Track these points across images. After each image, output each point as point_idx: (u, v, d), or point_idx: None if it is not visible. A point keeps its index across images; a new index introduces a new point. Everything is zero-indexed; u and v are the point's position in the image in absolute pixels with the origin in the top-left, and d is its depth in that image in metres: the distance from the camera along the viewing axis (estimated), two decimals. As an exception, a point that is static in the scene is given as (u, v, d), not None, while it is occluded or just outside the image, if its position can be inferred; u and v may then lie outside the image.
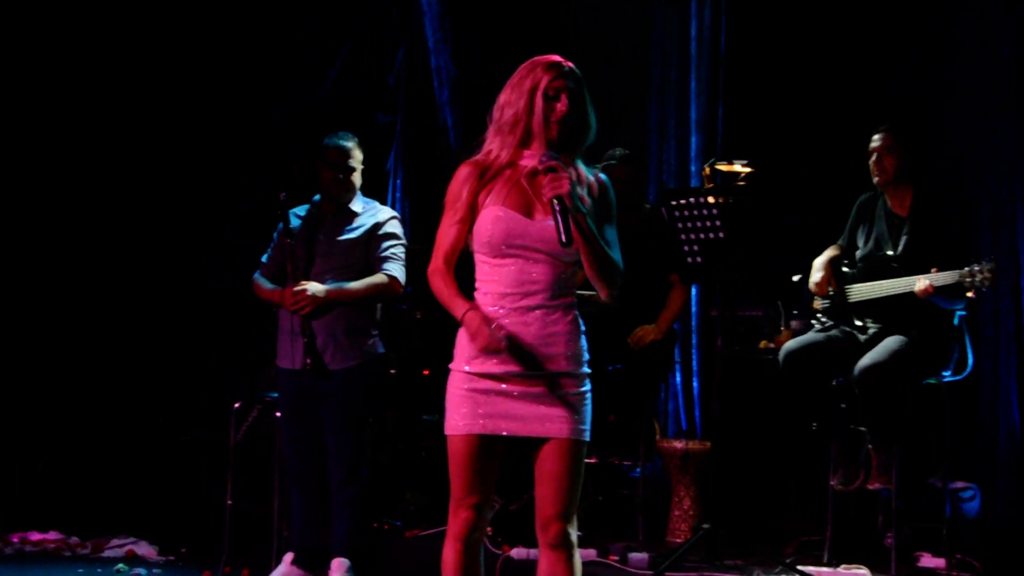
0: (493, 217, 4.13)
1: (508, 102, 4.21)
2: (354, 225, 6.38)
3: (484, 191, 4.20)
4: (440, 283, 4.21)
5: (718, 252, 6.42)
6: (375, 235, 6.36)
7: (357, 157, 6.43)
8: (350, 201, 6.42)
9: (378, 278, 6.29)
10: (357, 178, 6.43)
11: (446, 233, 4.24)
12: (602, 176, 4.31)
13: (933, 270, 6.08)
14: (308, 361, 6.17)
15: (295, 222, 6.43)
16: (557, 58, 4.21)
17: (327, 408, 6.23)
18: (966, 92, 7.68)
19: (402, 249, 6.42)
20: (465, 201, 4.20)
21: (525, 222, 4.13)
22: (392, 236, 6.40)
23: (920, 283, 6.09)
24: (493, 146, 4.23)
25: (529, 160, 4.20)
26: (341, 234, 6.35)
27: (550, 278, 4.13)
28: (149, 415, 8.29)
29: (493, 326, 4.06)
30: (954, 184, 7.43)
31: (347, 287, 6.23)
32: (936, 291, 6.06)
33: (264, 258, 6.54)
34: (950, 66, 7.73)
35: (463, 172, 4.23)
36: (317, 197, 6.51)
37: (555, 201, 4.01)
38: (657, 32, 8.85)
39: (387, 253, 6.35)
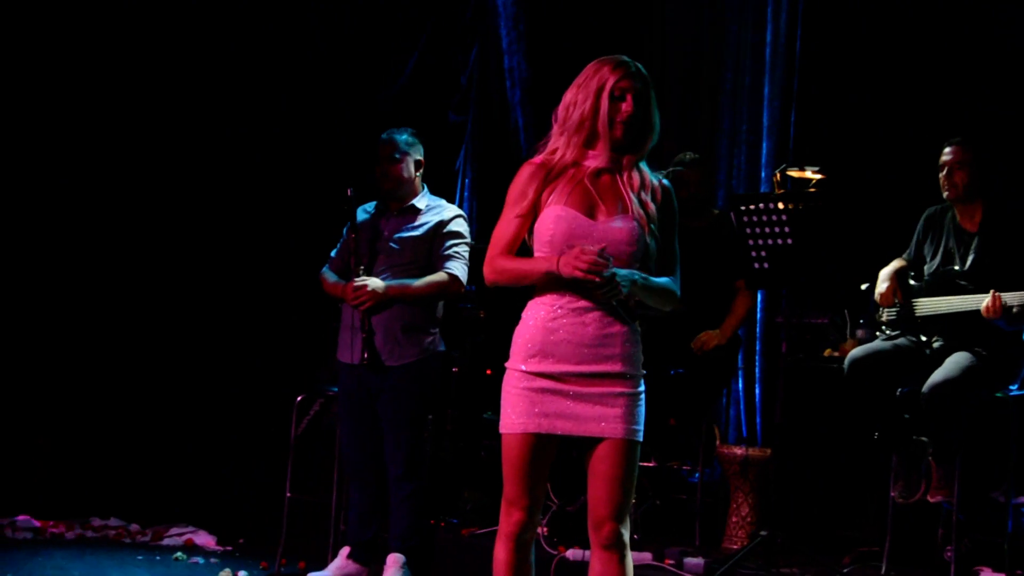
0: (555, 216, 4.14)
1: (574, 102, 4.21)
2: (418, 222, 6.39)
3: (548, 190, 4.20)
4: (504, 262, 4.21)
5: (786, 258, 6.38)
6: (439, 233, 6.37)
7: (406, 150, 6.41)
8: (409, 196, 6.42)
9: (439, 276, 6.30)
10: (406, 171, 6.40)
11: (506, 227, 4.25)
12: (665, 182, 4.29)
13: (993, 293, 5.98)
14: (366, 356, 6.19)
15: (362, 217, 6.46)
16: (624, 58, 4.21)
17: (384, 404, 6.25)
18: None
19: (465, 248, 6.41)
20: (530, 199, 4.21)
21: (588, 223, 4.13)
22: (456, 235, 6.40)
23: (986, 303, 6.00)
24: (559, 145, 4.24)
25: (593, 160, 4.21)
26: (404, 231, 6.36)
27: (611, 279, 4.12)
28: (214, 406, 8.34)
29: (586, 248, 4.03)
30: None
31: (409, 284, 6.24)
32: (1002, 313, 5.97)
33: (332, 253, 6.58)
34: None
35: (527, 170, 4.25)
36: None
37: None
38: (732, 36, 8.81)
39: (450, 252, 6.35)
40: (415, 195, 6.44)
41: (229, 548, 7.30)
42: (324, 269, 6.56)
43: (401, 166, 6.39)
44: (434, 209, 6.46)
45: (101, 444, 8.26)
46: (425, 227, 6.38)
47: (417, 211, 6.41)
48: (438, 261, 6.33)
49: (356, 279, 6.21)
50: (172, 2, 8.55)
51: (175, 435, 8.29)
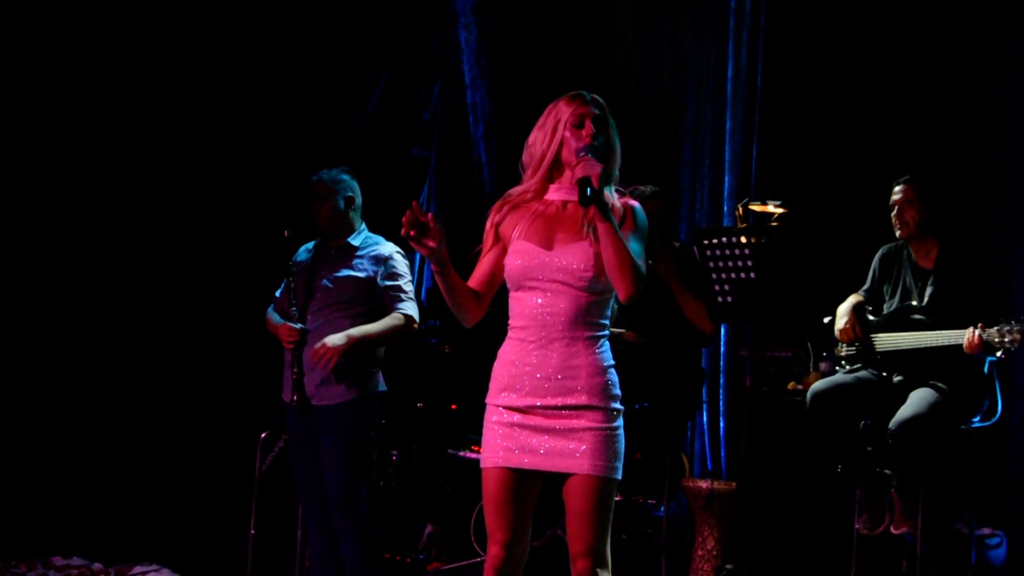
0: (514, 251, 4.18)
1: (535, 140, 4.27)
2: (354, 262, 6.32)
3: (510, 226, 4.23)
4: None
5: (749, 292, 6.41)
6: (380, 273, 6.32)
7: (334, 188, 6.34)
8: (344, 234, 6.35)
9: (395, 319, 6.20)
10: (334, 209, 6.33)
11: (476, 268, 4.33)
12: (632, 201, 4.30)
13: (980, 326, 6.02)
14: (295, 397, 6.14)
15: (303, 257, 6.42)
16: (581, 91, 4.25)
17: (322, 442, 6.18)
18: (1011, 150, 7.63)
19: (410, 285, 6.34)
20: (492, 239, 4.26)
21: (543, 255, 4.15)
22: (398, 275, 6.30)
23: (967, 338, 6.03)
24: (524, 182, 4.28)
25: (555, 193, 4.23)
26: (340, 270, 6.30)
27: (571, 309, 4.13)
28: (175, 443, 8.29)
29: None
30: (983, 238, 7.38)
31: (369, 331, 6.17)
32: (983, 348, 6.01)
33: (277, 292, 6.51)
34: (997, 120, 7.70)
35: (493, 209, 4.31)
36: None
37: (580, 182, 4.06)
38: (693, 70, 8.88)
39: (397, 292, 6.29)
40: (350, 232, 6.36)
41: (194, 586, 7.26)
42: (269, 309, 6.48)
43: (328, 205, 6.34)
44: (371, 247, 6.37)
45: (61, 481, 8.19)
46: (361, 266, 6.31)
47: (353, 249, 6.35)
48: (388, 303, 6.27)
49: (291, 323, 6.15)
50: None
51: (138, 472, 8.23)
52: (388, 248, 6.38)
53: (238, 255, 8.48)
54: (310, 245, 6.46)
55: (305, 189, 6.39)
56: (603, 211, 4.05)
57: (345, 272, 6.27)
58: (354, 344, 6.06)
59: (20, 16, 8.13)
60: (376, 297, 6.25)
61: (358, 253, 6.33)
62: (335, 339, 6.03)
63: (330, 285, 6.23)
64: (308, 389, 6.13)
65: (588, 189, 4.02)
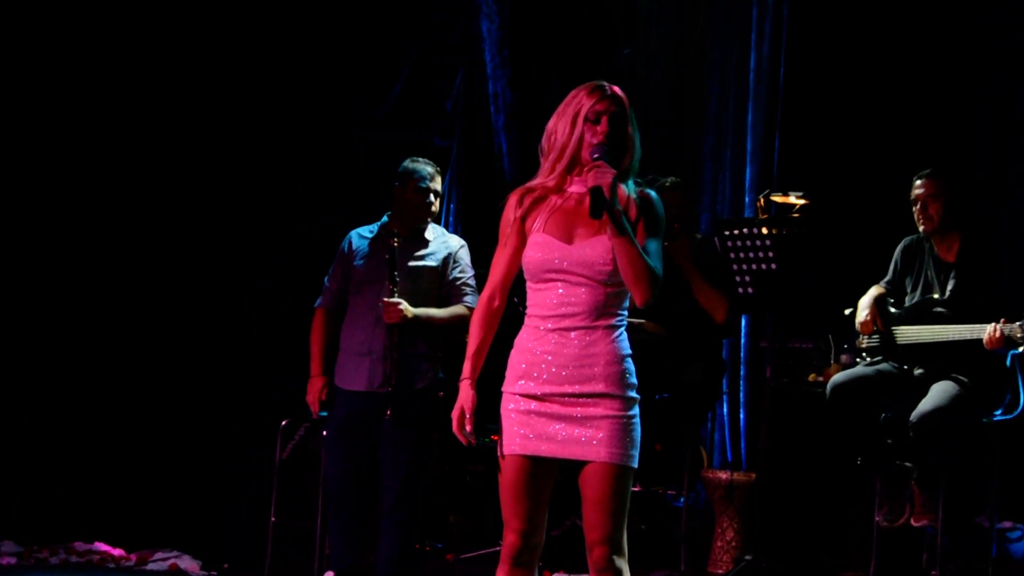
0: (533, 243, 4.17)
1: (554, 130, 4.24)
2: (426, 252, 6.40)
3: (531, 218, 4.23)
4: (473, 327, 4.32)
5: (770, 283, 6.41)
6: (449, 265, 6.38)
7: (439, 183, 6.47)
8: (425, 227, 6.44)
9: (460, 309, 6.31)
10: (438, 204, 6.47)
11: (496, 263, 4.31)
12: (650, 192, 4.29)
13: (1002, 321, 6.00)
14: (392, 382, 6.17)
15: (361, 243, 6.45)
16: (601, 82, 4.23)
17: (389, 430, 6.20)
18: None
19: (474, 279, 6.44)
20: (513, 229, 4.25)
21: (563, 248, 4.14)
22: (467, 267, 6.43)
23: (987, 334, 6.02)
24: (543, 173, 4.27)
25: (577, 186, 4.22)
26: (412, 259, 6.36)
27: (590, 301, 4.12)
28: (198, 430, 8.32)
29: (466, 417, 4.21)
30: (1006, 232, 7.36)
31: (433, 313, 6.25)
32: (1005, 343, 6.00)
33: (326, 280, 6.54)
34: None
35: (511, 200, 4.29)
36: (385, 218, 6.53)
37: (592, 192, 4.03)
38: (716, 61, 8.85)
39: (463, 285, 6.37)
40: (426, 224, 6.45)
41: (214, 573, 7.26)
42: (319, 304, 6.54)
43: (439, 200, 6.45)
44: (440, 239, 6.47)
45: (85, 468, 8.22)
46: (433, 257, 6.39)
47: (426, 241, 6.42)
48: (454, 294, 6.37)
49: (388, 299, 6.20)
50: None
51: (160, 459, 8.25)
52: (456, 241, 6.52)
53: (257, 246, 8.51)
54: (364, 231, 6.50)
55: (400, 177, 6.42)
56: (615, 223, 4.05)
57: (420, 263, 6.37)
58: (417, 322, 6.15)
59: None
60: (444, 287, 6.35)
61: (429, 244, 6.40)
62: (406, 305, 6.15)
63: (404, 274, 6.27)
64: (382, 374, 6.19)
65: (600, 201, 4.01)
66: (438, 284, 6.37)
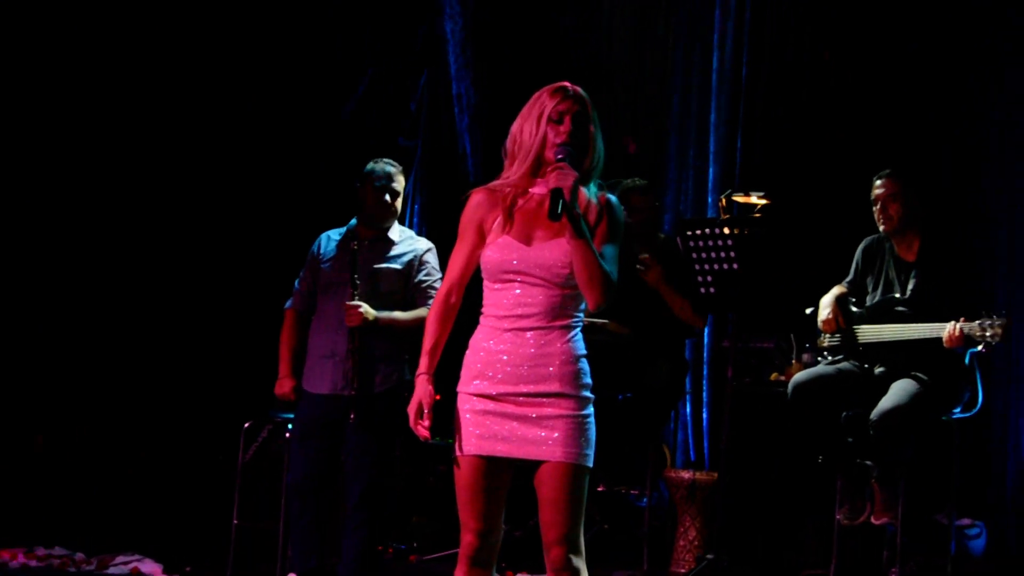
0: (492, 244, 4.17)
1: (519, 131, 4.23)
2: (392, 253, 6.37)
3: (491, 217, 4.22)
4: (430, 323, 4.31)
5: (732, 283, 6.43)
6: (415, 267, 6.36)
7: (401, 183, 6.44)
8: (390, 228, 6.43)
9: (424, 312, 6.24)
10: (399, 204, 6.46)
11: (454, 261, 4.29)
12: (610, 197, 4.29)
13: (962, 320, 6.04)
14: (355, 384, 6.15)
15: (330, 245, 6.44)
16: (564, 84, 4.23)
17: (355, 432, 6.19)
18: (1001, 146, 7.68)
19: (440, 281, 6.40)
20: (472, 228, 4.24)
21: (522, 249, 4.14)
22: (434, 270, 6.40)
23: (947, 332, 6.05)
24: (507, 174, 4.26)
25: (539, 188, 4.22)
26: (379, 261, 6.34)
27: (546, 302, 4.12)
28: (158, 432, 8.29)
29: (423, 412, 4.23)
30: (966, 231, 7.41)
31: (396, 316, 6.24)
32: (964, 342, 6.03)
33: (296, 283, 6.53)
34: (984, 118, 7.74)
35: (472, 200, 4.27)
36: (354, 221, 6.51)
37: (553, 193, 4.02)
38: (679, 63, 8.88)
39: (430, 288, 6.34)
40: (390, 225, 6.43)
41: (176, 576, 7.26)
42: (290, 305, 6.52)
43: (399, 200, 6.41)
44: (406, 240, 6.44)
45: (44, 471, 8.18)
46: (399, 260, 6.36)
47: (391, 242, 6.40)
48: (419, 296, 6.33)
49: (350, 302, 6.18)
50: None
51: (120, 461, 8.23)
52: (424, 244, 6.48)
53: (219, 247, 8.49)
54: (334, 233, 6.48)
55: (361, 177, 6.41)
56: (574, 226, 4.06)
57: (384, 264, 6.33)
58: (380, 325, 6.14)
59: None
60: (409, 290, 6.33)
61: (395, 246, 6.38)
62: (367, 308, 6.12)
63: (367, 275, 6.26)
64: (344, 377, 6.18)
65: (559, 203, 4.01)
66: (403, 287, 6.34)
